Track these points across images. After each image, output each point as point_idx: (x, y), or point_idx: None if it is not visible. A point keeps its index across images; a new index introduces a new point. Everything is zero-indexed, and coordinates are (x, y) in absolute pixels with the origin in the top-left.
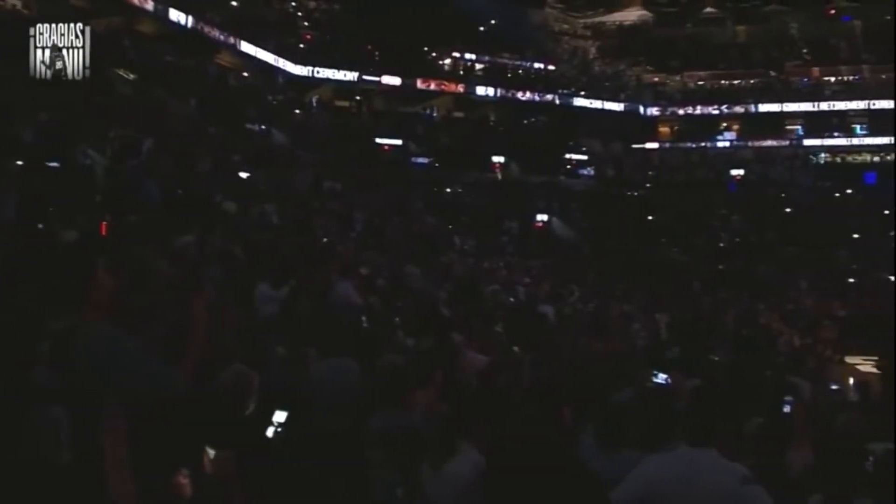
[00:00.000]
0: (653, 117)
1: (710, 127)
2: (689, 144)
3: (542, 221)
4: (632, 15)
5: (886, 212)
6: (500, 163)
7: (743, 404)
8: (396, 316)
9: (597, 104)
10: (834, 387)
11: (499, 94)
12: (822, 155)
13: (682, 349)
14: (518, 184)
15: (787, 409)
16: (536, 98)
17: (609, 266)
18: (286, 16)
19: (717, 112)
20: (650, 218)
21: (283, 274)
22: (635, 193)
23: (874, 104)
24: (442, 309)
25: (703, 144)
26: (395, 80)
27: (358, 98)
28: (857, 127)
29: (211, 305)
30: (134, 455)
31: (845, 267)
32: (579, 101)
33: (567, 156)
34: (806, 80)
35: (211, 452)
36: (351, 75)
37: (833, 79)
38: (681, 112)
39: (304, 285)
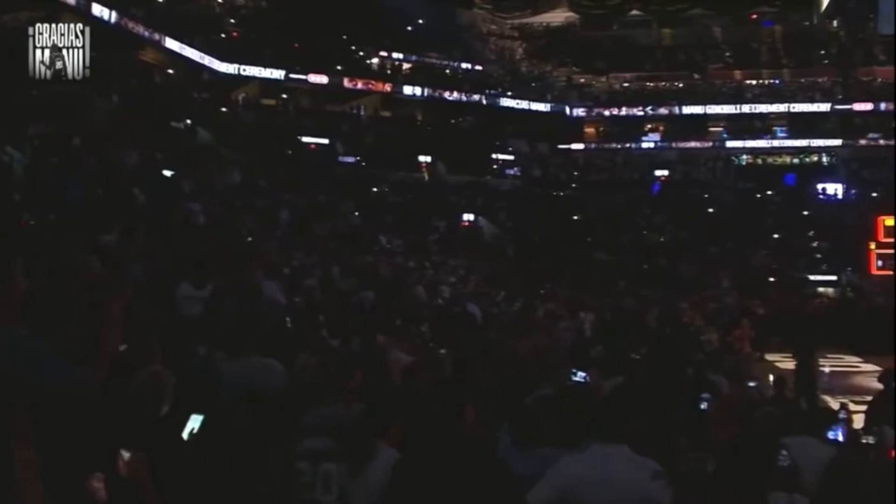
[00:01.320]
0: (579, 118)
1: (634, 128)
2: (614, 145)
3: (469, 221)
4: (559, 16)
5: (805, 212)
6: (426, 162)
7: (663, 401)
8: (322, 316)
9: (523, 105)
10: (752, 384)
11: (426, 94)
12: (744, 156)
13: (606, 347)
14: (445, 183)
15: (704, 406)
16: (464, 98)
17: (535, 265)
18: (213, 13)
19: (641, 113)
20: (575, 218)
21: (206, 273)
22: (561, 193)
23: (794, 107)
24: (366, 309)
25: (628, 145)
26: (322, 79)
27: (284, 96)
28: (778, 129)
29: (128, 305)
30: (45, 458)
31: (765, 266)
32: (506, 102)
33: (494, 156)
34: (728, 83)
35: (125, 454)
36: (278, 73)
37: (754, 82)
38: (606, 113)
39: (227, 285)
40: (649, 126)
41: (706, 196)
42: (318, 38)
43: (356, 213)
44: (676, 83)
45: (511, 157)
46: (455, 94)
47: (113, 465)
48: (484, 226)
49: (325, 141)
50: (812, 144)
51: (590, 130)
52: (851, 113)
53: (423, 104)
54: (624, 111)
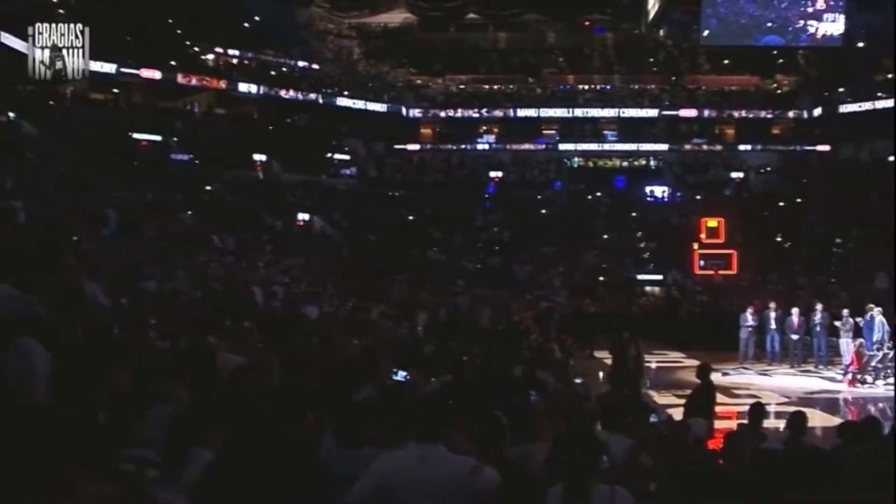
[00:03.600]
0: (415, 119)
1: (470, 129)
2: (449, 146)
3: (304, 221)
4: (397, 17)
5: (633, 214)
6: (261, 161)
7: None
8: (150, 318)
9: (360, 104)
10: (578, 380)
11: (262, 92)
12: (576, 159)
13: (438, 346)
14: (280, 182)
15: (533, 402)
16: (300, 97)
17: (370, 265)
18: (40, 1)
19: (477, 115)
20: (411, 218)
21: (27, 274)
22: (396, 193)
23: (623, 112)
24: (197, 310)
25: (463, 146)
26: (154, 74)
27: (115, 91)
28: (608, 133)
29: None
30: None
31: (595, 266)
32: (343, 101)
33: (330, 155)
34: (561, 87)
35: None
36: (108, 67)
37: (586, 87)
38: (442, 114)
39: (49, 286)
40: (484, 128)
41: (539, 197)
42: (152, 32)
43: (188, 212)
44: (511, 86)
45: (347, 157)
46: (291, 93)
47: None
48: (319, 225)
49: (158, 138)
50: (640, 148)
51: (426, 131)
52: (677, 119)
53: (259, 102)
54: (460, 113)
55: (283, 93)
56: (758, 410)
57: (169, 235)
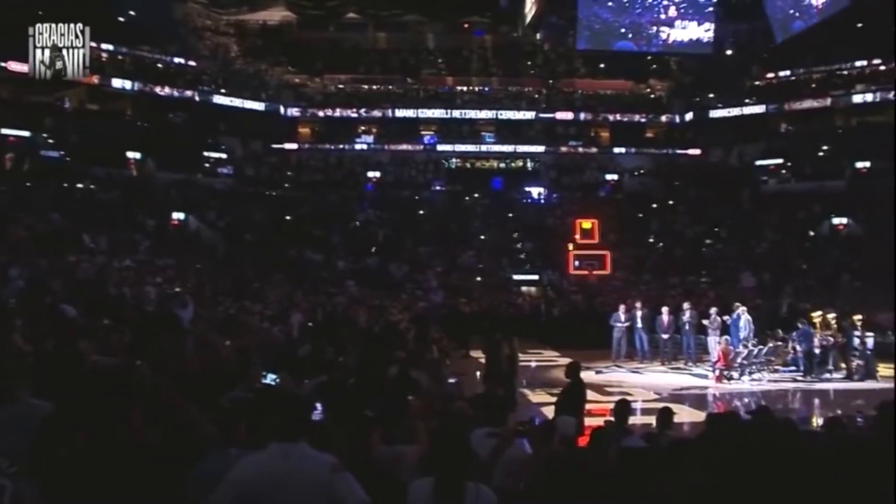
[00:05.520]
0: (293, 118)
1: (348, 129)
2: (328, 146)
3: (179, 220)
4: (275, 15)
5: (510, 215)
6: (135, 159)
7: (365, 399)
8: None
9: (237, 102)
10: (452, 380)
11: (136, 88)
12: (454, 160)
13: (313, 347)
14: (154, 181)
15: (406, 402)
16: (176, 94)
17: (246, 265)
18: None
19: (355, 115)
20: (288, 218)
21: None
22: (274, 193)
23: (501, 114)
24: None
25: (341, 146)
26: (23, 67)
27: None
28: (486, 135)
29: None
30: None
31: (472, 266)
32: (220, 99)
33: (206, 153)
34: (440, 88)
35: None
36: None
37: (465, 88)
38: (321, 114)
39: None
40: (363, 128)
41: (417, 198)
42: (20, 22)
43: (57, 211)
44: (390, 86)
45: (224, 156)
46: (167, 90)
47: None
48: (195, 225)
49: (27, 133)
50: (517, 150)
51: (304, 130)
52: (554, 121)
53: (134, 98)
54: (338, 112)
55: (158, 89)
56: (622, 407)
57: (37, 235)
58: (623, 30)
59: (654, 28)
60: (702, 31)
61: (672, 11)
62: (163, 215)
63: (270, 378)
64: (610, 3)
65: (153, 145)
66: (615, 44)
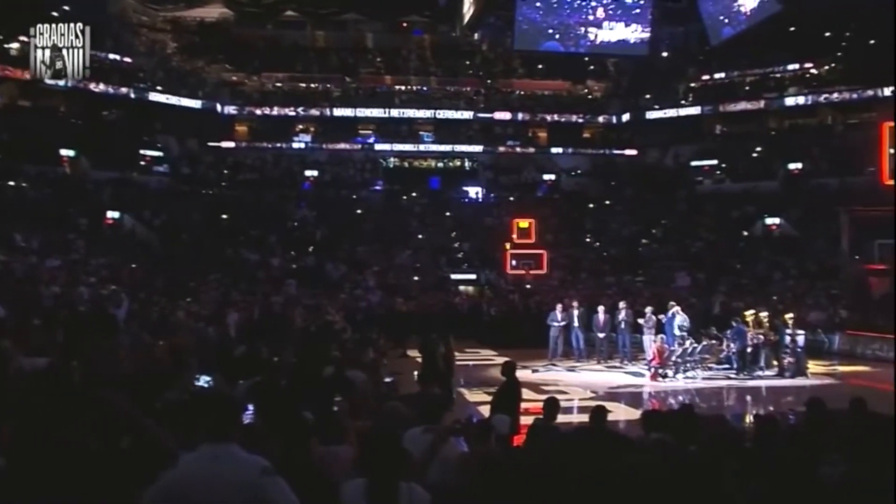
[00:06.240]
0: (230, 116)
1: (286, 128)
2: (265, 144)
3: (114, 219)
4: (213, 12)
5: (448, 214)
6: (69, 156)
7: (299, 398)
8: None
9: (174, 100)
10: (388, 379)
11: (69, 85)
12: (392, 159)
13: (249, 347)
14: (88, 179)
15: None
16: (111, 91)
17: (182, 264)
18: None
19: (293, 114)
20: (224, 217)
21: None
22: (211, 192)
23: (439, 113)
24: None
25: (279, 145)
26: None
27: None
28: (424, 134)
29: None
30: None
31: (410, 265)
32: (156, 97)
33: (142, 151)
34: (379, 87)
35: None
36: None
37: (403, 88)
38: (258, 112)
39: None
40: (300, 127)
41: (355, 197)
42: None
43: None
44: (328, 85)
45: (160, 154)
46: (102, 86)
47: None
48: (130, 224)
49: None
50: (455, 150)
51: (241, 129)
52: (492, 121)
53: (67, 95)
54: (276, 111)
55: (92, 86)
56: (551, 404)
57: None
58: (551, 30)
59: (583, 29)
60: (629, 33)
61: (600, 13)
62: (97, 214)
63: (204, 380)
64: (538, 4)
65: (87, 143)
66: (543, 44)
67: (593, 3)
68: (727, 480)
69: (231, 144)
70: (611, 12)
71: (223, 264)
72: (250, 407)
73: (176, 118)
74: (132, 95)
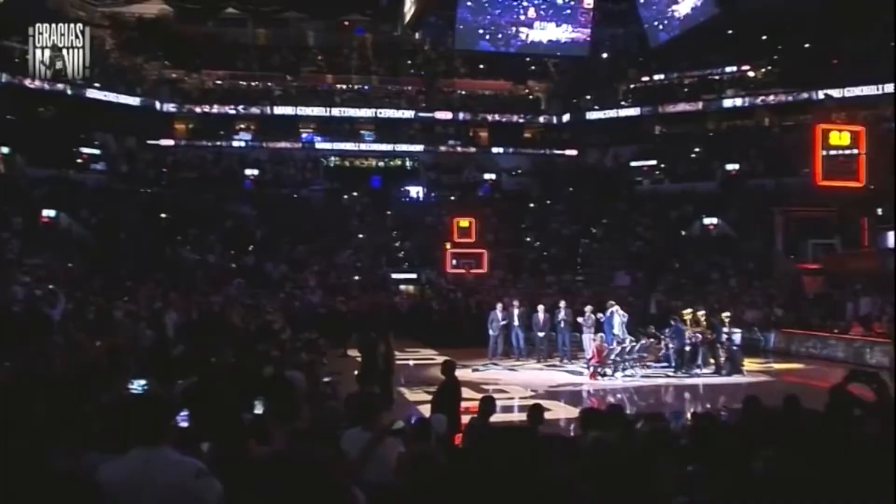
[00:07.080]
0: (169, 114)
1: (226, 126)
2: (205, 143)
3: (49, 217)
4: (152, 8)
5: (389, 213)
6: (3, 154)
7: (237, 399)
8: None
9: (111, 97)
10: (326, 379)
11: (4, 80)
12: (333, 158)
13: (187, 348)
14: (23, 177)
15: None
16: (46, 87)
17: (119, 264)
18: None
19: (234, 112)
20: (163, 216)
21: None
22: (149, 190)
23: (381, 113)
24: None
25: (219, 143)
26: None
27: None
28: (365, 133)
29: None
30: None
31: (351, 265)
32: (93, 93)
33: (78, 149)
34: (320, 86)
35: None
36: None
37: (345, 87)
38: (198, 110)
39: None
40: (241, 125)
41: (295, 196)
42: None
43: None
44: (269, 83)
45: (97, 151)
46: (37, 82)
47: None
48: (66, 222)
49: None
50: (396, 149)
51: (180, 127)
52: (433, 121)
53: (1, 91)
54: (216, 109)
55: (27, 82)
56: (487, 404)
57: None
58: (481, 30)
59: (514, 28)
60: (560, 33)
61: (532, 13)
62: (32, 213)
63: (138, 384)
64: (469, 3)
65: (22, 140)
66: (478, 44)
67: (524, 3)
68: (663, 477)
69: (170, 142)
70: (542, 12)
71: (162, 264)
72: (183, 410)
73: (114, 115)
74: (69, 92)
